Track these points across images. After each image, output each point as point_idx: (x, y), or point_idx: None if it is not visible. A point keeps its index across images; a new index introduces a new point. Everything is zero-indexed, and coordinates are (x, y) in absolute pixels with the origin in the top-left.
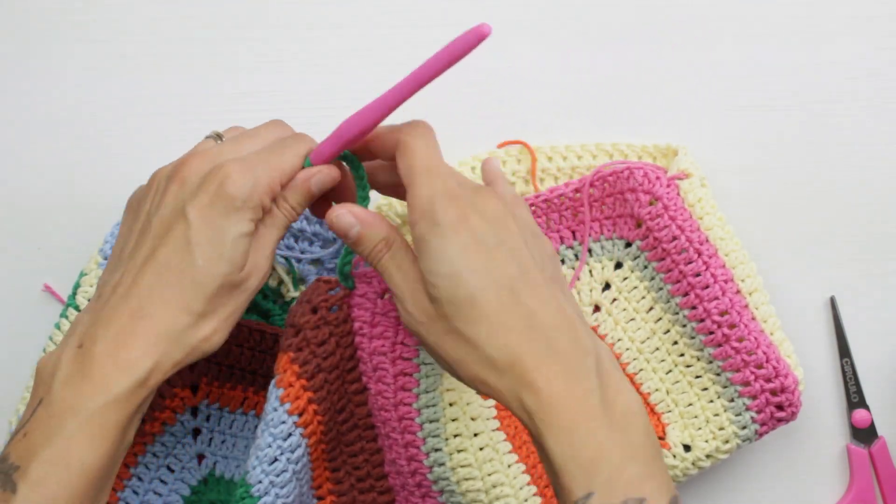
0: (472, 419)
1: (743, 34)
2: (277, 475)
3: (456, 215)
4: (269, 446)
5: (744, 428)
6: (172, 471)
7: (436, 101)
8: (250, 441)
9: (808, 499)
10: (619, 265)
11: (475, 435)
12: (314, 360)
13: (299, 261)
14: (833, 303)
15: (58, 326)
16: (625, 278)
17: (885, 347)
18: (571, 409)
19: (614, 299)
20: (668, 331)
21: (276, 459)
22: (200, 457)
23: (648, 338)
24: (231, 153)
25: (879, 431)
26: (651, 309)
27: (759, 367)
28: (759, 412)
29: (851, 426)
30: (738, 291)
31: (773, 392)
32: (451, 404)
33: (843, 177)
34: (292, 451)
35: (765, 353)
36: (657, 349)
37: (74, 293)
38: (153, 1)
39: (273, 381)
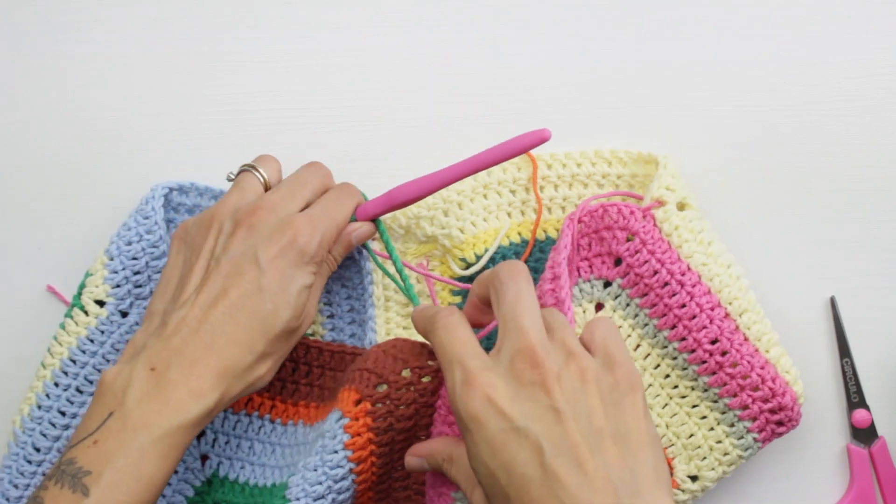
0: None
1: (742, 34)
2: (315, 500)
3: (476, 407)
4: (320, 483)
5: (747, 449)
6: (176, 472)
7: (433, 108)
8: (254, 442)
9: (808, 499)
10: (599, 306)
11: None
12: (390, 418)
13: None
14: (833, 303)
15: (62, 326)
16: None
17: (885, 347)
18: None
19: None
20: (658, 365)
21: (322, 497)
22: (204, 458)
23: (647, 377)
24: (292, 205)
25: (879, 431)
26: (638, 346)
27: (756, 389)
28: (760, 431)
29: (851, 426)
30: (727, 315)
31: (773, 411)
32: None
33: (843, 177)
34: (339, 493)
35: (759, 375)
36: (650, 385)
37: (80, 293)
38: (154, 1)
39: (341, 423)
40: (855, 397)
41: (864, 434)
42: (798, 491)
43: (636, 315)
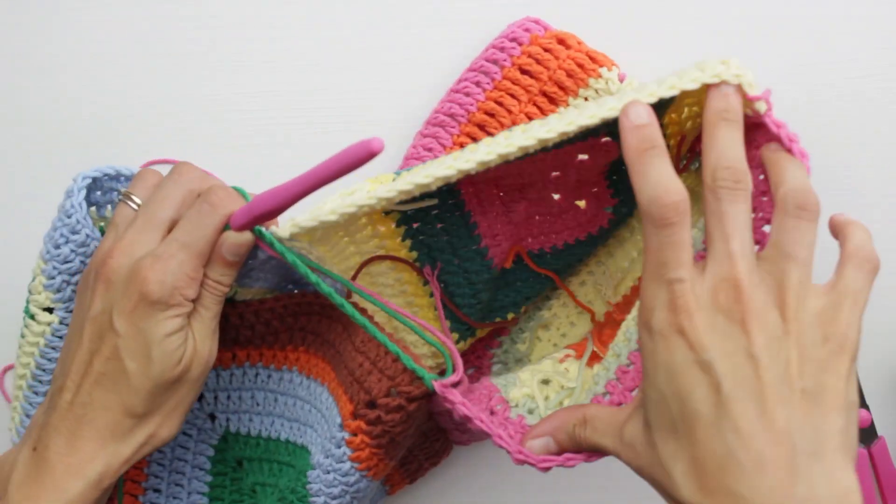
0: None
1: (740, 34)
2: (333, 499)
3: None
4: (334, 486)
5: None
6: (190, 436)
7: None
8: (254, 392)
9: None
10: None
11: None
12: (388, 435)
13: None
14: None
15: (22, 336)
16: None
17: (885, 347)
18: None
19: None
20: None
21: (338, 497)
22: (212, 416)
23: None
24: (149, 239)
25: (879, 431)
26: None
27: None
28: None
29: None
30: None
31: None
32: None
33: (844, 176)
34: (356, 490)
35: None
36: None
37: (28, 302)
38: (155, 1)
39: (342, 436)
40: None
41: (864, 434)
42: None
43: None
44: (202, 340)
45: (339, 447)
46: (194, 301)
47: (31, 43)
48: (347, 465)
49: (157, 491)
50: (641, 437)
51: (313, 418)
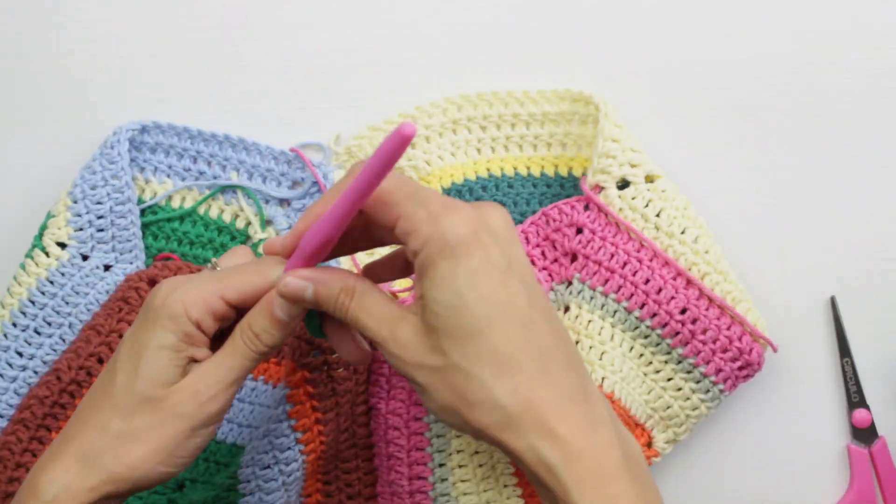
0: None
1: (740, 34)
2: (266, 481)
3: (467, 232)
4: (266, 453)
5: (714, 400)
6: None
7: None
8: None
9: (809, 499)
10: (567, 308)
11: (475, 452)
12: (330, 383)
13: (267, 201)
14: (833, 303)
15: (23, 266)
16: (576, 317)
17: (885, 347)
18: (599, 463)
19: (576, 342)
20: (632, 348)
21: (269, 467)
22: None
23: (622, 362)
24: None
25: (880, 431)
26: (612, 336)
27: (725, 350)
28: (725, 381)
29: (851, 426)
30: (689, 282)
31: (741, 367)
32: None
33: (844, 176)
34: (287, 464)
35: (727, 336)
36: (630, 369)
37: (41, 234)
38: (156, 1)
39: (283, 393)
40: (855, 397)
41: (865, 434)
42: (798, 491)
43: (603, 305)
44: (209, 382)
45: (281, 422)
46: (203, 331)
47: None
48: (284, 425)
49: None
50: (422, 347)
51: (261, 417)
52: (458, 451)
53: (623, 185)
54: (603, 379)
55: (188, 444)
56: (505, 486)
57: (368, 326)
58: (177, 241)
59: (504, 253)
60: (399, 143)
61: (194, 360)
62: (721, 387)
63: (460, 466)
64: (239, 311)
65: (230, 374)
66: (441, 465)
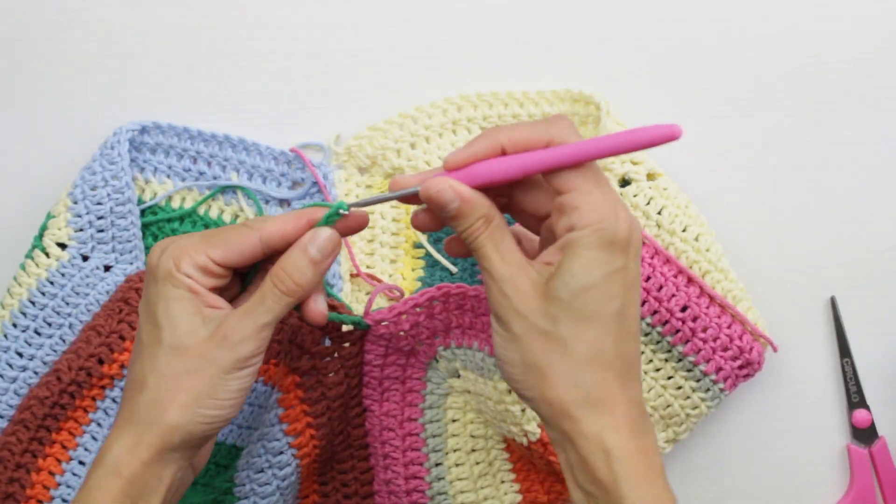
0: (473, 436)
1: (740, 34)
2: (261, 485)
3: (627, 236)
4: (260, 456)
5: (714, 399)
6: None
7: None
8: None
9: (808, 499)
10: None
11: (472, 451)
12: (320, 388)
13: (267, 201)
14: (833, 303)
15: (23, 267)
16: None
17: (885, 347)
18: (649, 464)
19: None
20: None
21: (262, 470)
22: None
23: None
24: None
25: (880, 431)
26: None
27: (725, 349)
28: (725, 380)
29: (851, 426)
30: (690, 280)
31: (741, 367)
32: (453, 420)
33: (844, 176)
34: (280, 468)
35: (727, 335)
36: None
37: (41, 234)
38: (156, 1)
39: (275, 397)
40: (855, 397)
41: (865, 434)
42: (798, 491)
43: None
44: (235, 328)
45: (273, 426)
46: (192, 279)
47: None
48: (276, 429)
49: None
50: (535, 302)
51: (256, 417)
52: (455, 450)
53: (625, 182)
54: None
55: (227, 387)
56: (502, 482)
57: (493, 259)
58: None
59: (636, 264)
60: (660, 138)
61: (212, 308)
62: (721, 386)
63: (457, 465)
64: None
65: (259, 318)
66: (437, 465)
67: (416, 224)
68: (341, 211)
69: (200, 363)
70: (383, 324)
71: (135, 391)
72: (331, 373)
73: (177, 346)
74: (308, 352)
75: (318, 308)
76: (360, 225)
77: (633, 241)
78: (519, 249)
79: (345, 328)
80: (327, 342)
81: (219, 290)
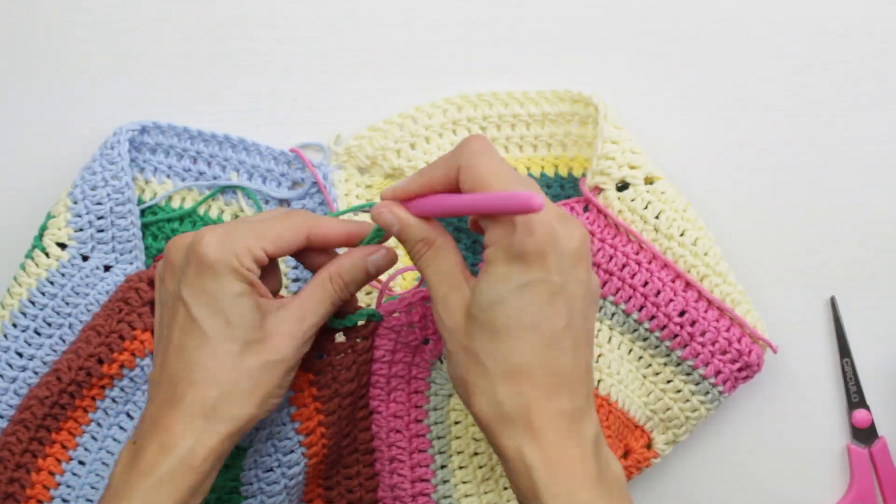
0: (475, 439)
1: (741, 34)
2: (269, 484)
3: (536, 249)
4: (270, 455)
5: (714, 401)
6: (132, 417)
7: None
8: None
9: (808, 499)
10: None
11: (475, 454)
12: (334, 385)
13: (267, 202)
14: (833, 303)
15: (23, 267)
16: None
17: (885, 347)
18: (573, 472)
19: None
20: (631, 350)
21: (271, 469)
22: None
23: (619, 365)
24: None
25: (880, 431)
26: (611, 338)
27: (724, 352)
28: (724, 382)
29: (851, 426)
30: (688, 285)
31: (740, 369)
32: (456, 422)
33: (844, 176)
34: (289, 468)
35: (726, 338)
36: (629, 372)
37: (41, 234)
38: (156, 1)
39: (287, 396)
40: (855, 397)
41: (865, 434)
42: (798, 491)
43: (602, 307)
44: (303, 328)
45: (285, 424)
46: (252, 272)
47: (31, 43)
48: (288, 427)
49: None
50: (461, 321)
51: (263, 419)
52: (459, 453)
53: (622, 186)
54: (599, 382)
55: (288, 379)
56: (505, 488)
57: (430, 280)
58: None
59: (563, 274)
60: (525, 209)
61: (264, 298)
62: (720, 388)
63: (461, 468)
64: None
65: (319, 318)
66: (443, 467)
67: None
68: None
69: (273, 360)
70: (395, 315)
71: (205, 386)
72: (344, 369)
73: (251, 340)
74: (323, 349)
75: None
76: (390, 264)
77: (546, 252)
78: (460, 268)
79: (359, 322)
80: (340, 338)
81: None
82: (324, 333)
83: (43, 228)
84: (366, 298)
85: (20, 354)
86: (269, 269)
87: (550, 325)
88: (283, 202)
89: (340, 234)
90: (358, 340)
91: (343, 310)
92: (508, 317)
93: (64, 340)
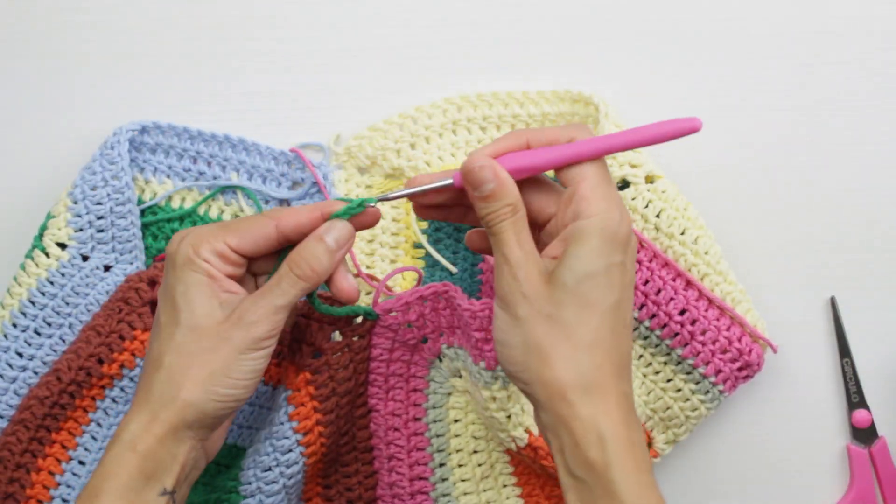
0: (474, 437)
1: (741, 34)
2: (268, 483)
3: (628, 234)
4: (268, 455)
5: (714, 401)
6: None
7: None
8: None
9: (808, 499)
10: None
11: (474, 452)
12: (331, 384)
13: (267, 202)
14: (833, 303)
15: (23, 267)
16: None
17: (885, 347)
18: (639, 453)
19: None
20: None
21: (270, 468)
22: None
23: None
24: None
25: (880, 431)
26: None
27: (725, 351)
28: (725, 381)
29: (851, 426)
30: (688, 283)
31: (740, 368)
32: (455, 421)
33: (844, 177)
34: (288, 466)
35: (726, 337)
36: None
37: (41, 234)
38: (156, 1)
39: (285, 395)
40: (855, 397)
41: (865, 434)
42: (798, 491)
43: None
44: (251, 310)
45: (283, 423)
46: (210, 265)
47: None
48: (285, 426)
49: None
50: (541, 288)
51: (261, 419)
52: (457, 451)
53: (623, 185)
54: None
55: (242, 366)
56: (504, 486)
57: (511, 244)
58: None
59: (633, 268)
60: (681, 131)
61: (229, 293)
62: (721, 388)
63: (460, 466)
64: (249, 260)
65: (275, 300)
66: (441, 465)
67: (471, 244)
68: (368, 205)
69: (216, 342)
70: (391, 314)
71: (151, 370)
72: (341, 368)
73: (194, 326)
74: (319, 348)
75: (348, 284)
76: (373, 221)
77: (632, 242)
78: (532, 239)
79: (356, 320)
80: (337, 337)
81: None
82: (320, 332)
83: (43, 228)
84: (366, 298)
85: (20, 354)
86: (249, 279)
87: (626, 308)
88: (283, 202)
89: (308, 218)
90: (354, 339)
91: (339, 300)
92: (601, 291)
93: (64, 340)
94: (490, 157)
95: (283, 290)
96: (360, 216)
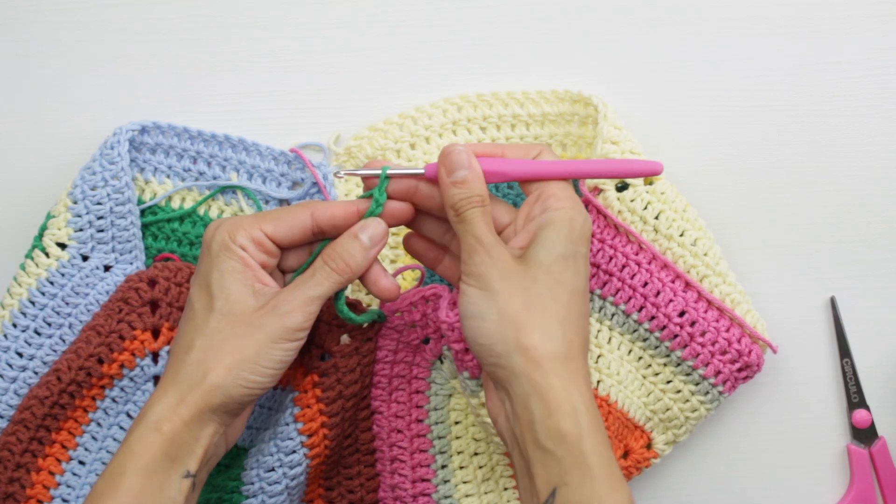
0: (475, 439)
1: (741, 34)
2: (270, 484)
3: (588, 230)
4: (272, 455)
5: (713, 402)
6: (132, 417)
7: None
8: None
9: (808, 499)
10: None
11: (475, 454)
12: (338, 386)
13: (267, 202)
14: (833, 303)
15: (23, 267)
16: None
17: (885, 347)
18: (604, 433)
19: None
20: (630, 350)
21: (273, 469)
22: None
23: (619, 365)
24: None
25: (879, 431)
26: (610, 339)
27: (724, 352)
28: (724, 382)
29: (851, 426)
30: (687, 285)
31: (739, 369)
32: (456, 422)
33: (844, 177)
34: (291, 468)
35: (726, 338)
36: (629, 372)
37: (41, 234)
38: (156, 1)
39: (291, 397)
40: (855, 397)
41: (865, 434)
42: (798, 491)
43: (602, 308)
44: (286, 300)
45: (288, 425)
46: (246, 252)
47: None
48: (290, 427)
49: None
50: (512, 265)
51: (266, 420)
52: (459, 453)
53: (622, 186)
54: (599, 382)
55: (271, 355)
56: (505, 488)
57: (482, 228)
58: (177, 241)
59: (586, 253)
60: (644, 172)
61: (263, 285)
62: (720, 388)
63: (461, 468)
64: (283, 249)
65: (308, 291)
66: (443, 467)
67: (409, 247)
68: (387, 172)
69: (249, 329)
70: (396, 314)
71: (181, 353)
72: (349, 371)
73: (227, 312)
74: (328, 350)
75: (389, 282)
76: (404, 218)
77: (589, 231)
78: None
79: (364, 324)
80: (345, 340)
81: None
82: (329, 334)
83: (43, 228)
84: (367, 298)
85: (20, 354)
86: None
87: (586, 296)
88: (283, 202)
89: (344, 212)
90: (363, 342)
91: (380, 298)
92: (571, 274)
93: (64, 340)
94: (471, 145)
95: (317, 282)
96: (392, 213)
